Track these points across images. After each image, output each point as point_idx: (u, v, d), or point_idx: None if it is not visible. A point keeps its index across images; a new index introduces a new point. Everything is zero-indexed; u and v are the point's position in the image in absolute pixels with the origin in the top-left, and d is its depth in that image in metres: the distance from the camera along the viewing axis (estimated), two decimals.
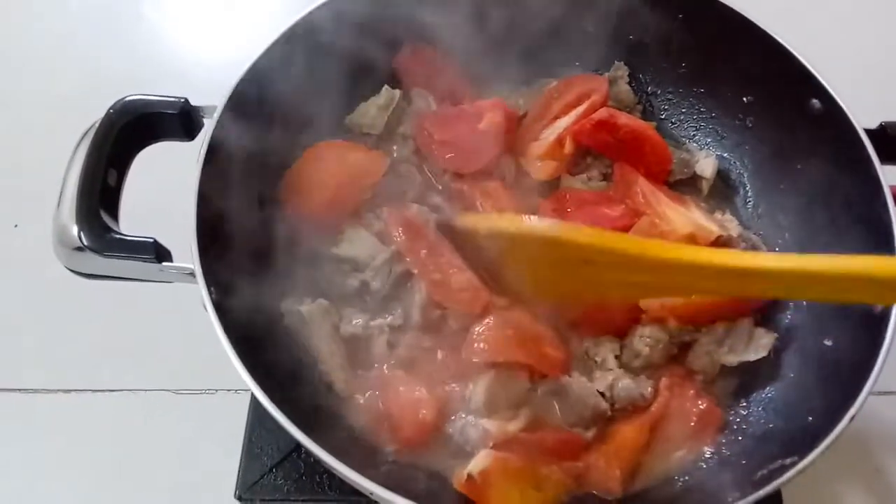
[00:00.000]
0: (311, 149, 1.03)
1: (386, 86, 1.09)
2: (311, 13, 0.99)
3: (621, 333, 0.96)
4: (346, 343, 0.94)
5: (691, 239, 0.96)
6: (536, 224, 0.74)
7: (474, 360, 0.90)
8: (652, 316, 0.94)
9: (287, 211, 0.99)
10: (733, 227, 1.01)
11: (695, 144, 1.14)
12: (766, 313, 0.98)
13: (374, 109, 1.08)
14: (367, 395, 0.90)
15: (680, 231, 0.97)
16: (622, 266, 0.71)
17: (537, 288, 0.81)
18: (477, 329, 0.91)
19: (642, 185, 1.02)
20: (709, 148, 1.13)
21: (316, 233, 1.00)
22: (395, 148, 1.07)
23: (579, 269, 0.73)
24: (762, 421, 0.91)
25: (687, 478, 0.89)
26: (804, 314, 0.96)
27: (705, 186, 1.09)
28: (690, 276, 0.70)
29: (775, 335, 0.94)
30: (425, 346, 0.94)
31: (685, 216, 1.00)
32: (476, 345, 0.90)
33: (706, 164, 1.08)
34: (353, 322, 0.94)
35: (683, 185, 1.09)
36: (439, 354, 0.94)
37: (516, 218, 0.80)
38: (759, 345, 0.93)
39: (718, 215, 1.03)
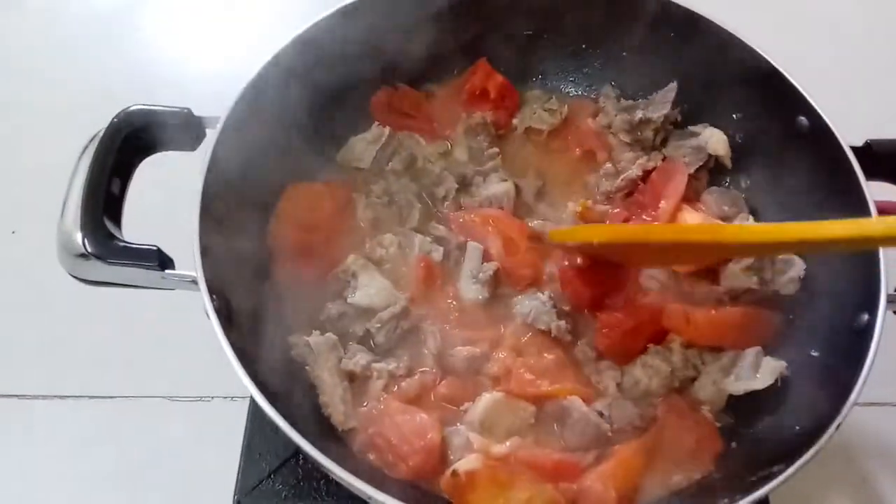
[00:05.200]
0: (286, 192, 1.04)
1: (376, 123, 1.12)
2: (315, 24, 1.02)
3: (631, 357, 0.97)
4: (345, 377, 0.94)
5: None
6: (612, 231, 0.99)
7: (528, 390, 0.92)
8: (674, 331, 0.96)
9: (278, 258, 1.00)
10: None
11: (699, 126, 1.12)
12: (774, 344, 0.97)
13: (362, 144, 1.11)
14: (368, 431, 0.89)
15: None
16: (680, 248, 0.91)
17: (625, 261, 0.99)
18: (517, 364, 0.93)
19: (677, 185, 1.06)
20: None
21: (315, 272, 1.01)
22: (389, 181, 1.09)
23: (652, 252, 0.93)
24: (751, 430, 0.92)
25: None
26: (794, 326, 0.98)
27: (728, 162, 1.09)
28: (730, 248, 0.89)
29: (784, 363, 0.92)
30: (427, 383, 0.94)
31: (694, 213, 1.04)
32: (525, 376, 0.92)
33: (716, 142, 1.08)
34: (355, 359, 0.93)
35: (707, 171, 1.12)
36: (441, 388, 0.94)
37: (594, 229, 1.03)
38: (766, 372, 0.92)
39: (741, 220, 1.05)
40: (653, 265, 1.01)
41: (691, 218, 1.02)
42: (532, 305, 0.98)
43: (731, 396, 0.95)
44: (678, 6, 1.08)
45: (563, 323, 0.96)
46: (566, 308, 0.98)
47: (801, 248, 0.91)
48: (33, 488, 1.06)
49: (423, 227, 1.06)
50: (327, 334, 0.94)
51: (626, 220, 1.07)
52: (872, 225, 0.80)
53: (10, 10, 1.59)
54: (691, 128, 1.12)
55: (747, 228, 0.97)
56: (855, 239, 0.77)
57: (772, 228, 0.84)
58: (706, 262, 1.00)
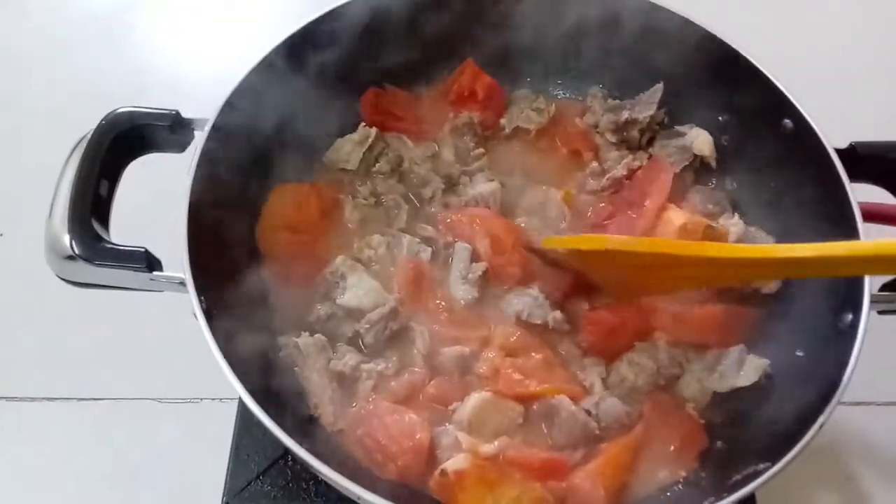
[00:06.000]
0: (273, 193, 1.04)
1: (363, 123, 1.12)
2: (304, 27, 1.02)
3: (617, 354, 0.97)
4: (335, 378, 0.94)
5: (683, 229, 1.00)
6: (599, 240, 0.93)
7: (517, 390, 0.92)
8: (660, 328, 0.97)
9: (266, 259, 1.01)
10: (737, 230, 1.02)
11: (685, 126, 1.13)
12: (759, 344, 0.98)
13: (349, 145, 1.10)
14: (357, 431, 0.89)
15: (675, 223, 1.02)
16: (664, 264, 0.88)
17: (614, 284, 0.97)
18: (505, 363, 0.93)
19: (663, 184, 1.07)
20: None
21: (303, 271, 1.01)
22: (376, 182, 1.09)
23: (641, 271, 0.90)
24: (736, 429, 0.93)
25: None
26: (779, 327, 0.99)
27: (713, 162, 1.10)
28: (720, 268, 0.86)
29: (767, 361, 0.93)
30: (416, 383, 0.94)
31: (679, 212, 1.04)
32: (513, 376, 0.92)
33: (701, 143, 1.09)
34: (344, 360, 0.93)
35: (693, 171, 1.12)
36: (430, 388, 0.94)
37: (586, 238, 0.98)
38: (750, 370, 0.93)
39: (725, 218, 1.06)
40: (641, 290, 0.99)
41: (676, 216, 1.02)
42: (524, 302, 0.98)
43: (716, 394, 0.95)
44: (666, 10, 1.08)
45: (558, 314, 0.97)
46: (558, 300, 0.99)
47: (790, 269, 0.87)
48: (22, 490, 1.06)
49: (411, 228, 1.06)
50: (316, 335, 0.94)
51: (612, 216, 1.07)
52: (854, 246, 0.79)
53: (9, 10, 1.58)
54: (678, 128, 1.13)
55: (736, 248, 0.94)
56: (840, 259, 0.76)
57: (764, 249, 0.84)
58: (691, 287, 0.99)
